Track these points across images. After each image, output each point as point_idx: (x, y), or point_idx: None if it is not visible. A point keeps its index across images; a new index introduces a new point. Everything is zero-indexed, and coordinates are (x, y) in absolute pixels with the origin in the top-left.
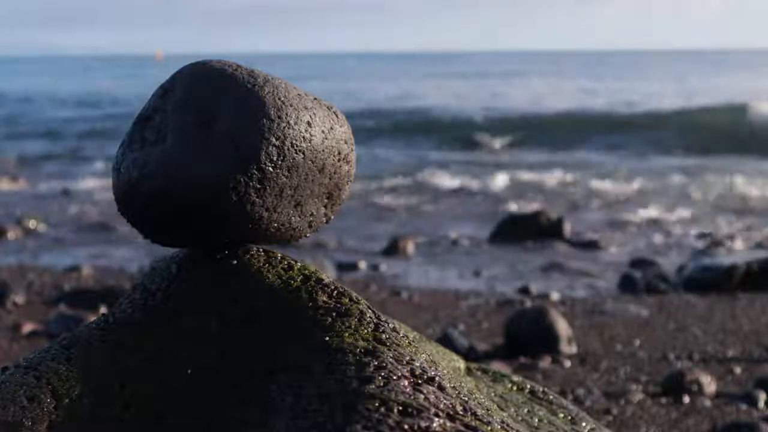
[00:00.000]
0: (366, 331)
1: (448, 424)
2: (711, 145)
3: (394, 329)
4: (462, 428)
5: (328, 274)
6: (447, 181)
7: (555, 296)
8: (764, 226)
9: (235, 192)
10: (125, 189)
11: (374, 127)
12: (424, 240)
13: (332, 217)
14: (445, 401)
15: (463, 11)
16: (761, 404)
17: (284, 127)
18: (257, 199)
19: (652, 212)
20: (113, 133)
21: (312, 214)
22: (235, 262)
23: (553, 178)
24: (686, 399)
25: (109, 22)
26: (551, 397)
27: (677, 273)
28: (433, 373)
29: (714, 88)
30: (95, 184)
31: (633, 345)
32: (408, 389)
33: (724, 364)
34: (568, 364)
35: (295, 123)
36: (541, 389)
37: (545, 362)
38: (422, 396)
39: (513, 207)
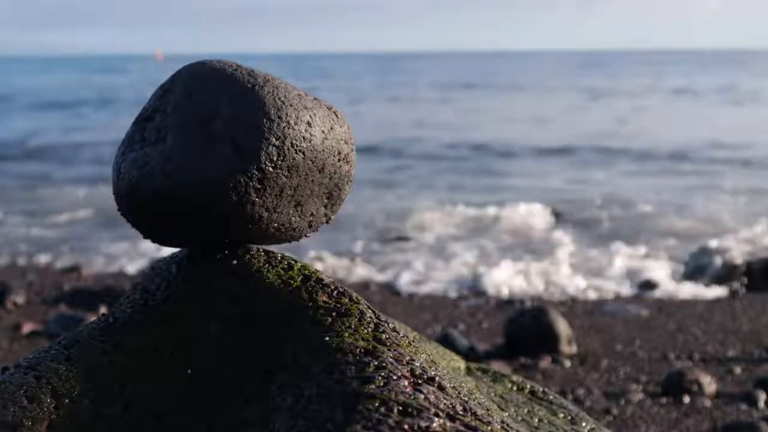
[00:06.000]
0: (366, 331)
1: (448, 424)
2: None
3: (394, 329)
4: (462, 428)
5: (328, 274)
6: None
7: (555, 296)
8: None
9: (235, 192)
10: (125, 189)
11: None
12: (424, 240)
13: (332, 217)
14: (445, 401)
15: (463, 11)
16: (761, 404)
17: (284, 127)
18: (257, 199)
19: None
20: None
21: (312, 214)
22: (235, 262)
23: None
24: (686, 399)
25: (109, 22)
26: (551, 397)
27: (677, 273)
28: (433, 373)
29: None
30: None
31: (633, 345)
32: (408, 389)
33: (724, 364)
34: (568, 364)
35: (295, 123)
36: (541, 389)
37: (545, 362)
38: (422, 396)
39: None
